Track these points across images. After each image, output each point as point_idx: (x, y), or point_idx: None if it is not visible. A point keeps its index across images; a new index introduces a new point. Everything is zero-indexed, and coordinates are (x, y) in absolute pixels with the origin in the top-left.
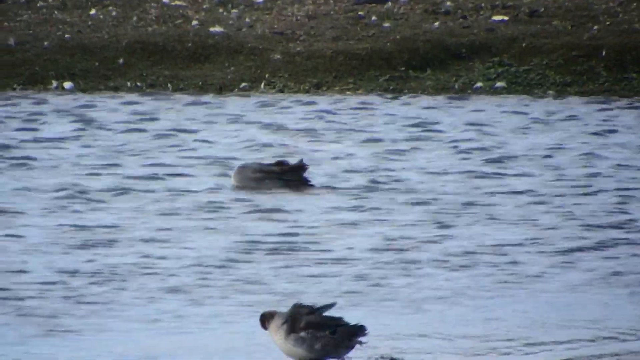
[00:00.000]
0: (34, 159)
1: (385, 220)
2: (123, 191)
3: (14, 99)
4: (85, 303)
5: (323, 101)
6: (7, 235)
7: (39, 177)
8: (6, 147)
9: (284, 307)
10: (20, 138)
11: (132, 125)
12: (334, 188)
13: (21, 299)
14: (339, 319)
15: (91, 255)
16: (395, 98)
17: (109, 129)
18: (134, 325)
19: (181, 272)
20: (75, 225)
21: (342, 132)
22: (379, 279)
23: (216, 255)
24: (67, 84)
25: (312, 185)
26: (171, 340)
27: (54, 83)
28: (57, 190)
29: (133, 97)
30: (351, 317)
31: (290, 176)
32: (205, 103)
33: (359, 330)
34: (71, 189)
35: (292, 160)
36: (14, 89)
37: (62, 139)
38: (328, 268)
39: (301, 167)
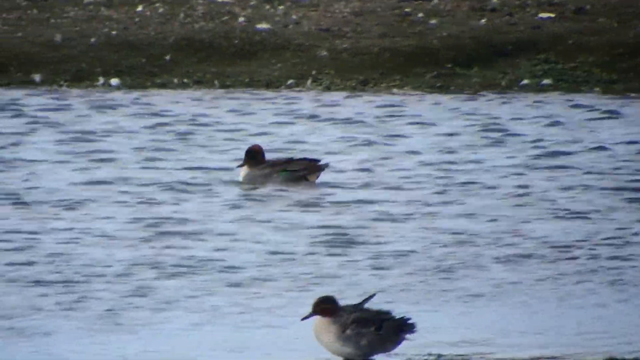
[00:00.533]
0: (112, 151)
1: (458, 214)
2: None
3: (99, 92)
4: (153, 296)
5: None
6: (81, 229)
7: (120, 169)
8: (85, 140)
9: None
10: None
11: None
12: (404, 183)
13: (89, 291)
14: (386, 313)
15: (162, 249)
16: (450, 93)
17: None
18: (197, 319)
19: (246, 265)
20: (148, 218)
21: (415, 127)
22: (436, 273)
23: (276, 249)
24: (114, 81)
25: (312, 183)
26: (239, 335)
27: (101, 80)
28: (145, 185)
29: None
30: (408, 312)
31: (297, 172)
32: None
33: (405, 324)
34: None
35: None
36: (61, 86)
37: (134, 132)
38: (385, 261)
39: (318, 167)
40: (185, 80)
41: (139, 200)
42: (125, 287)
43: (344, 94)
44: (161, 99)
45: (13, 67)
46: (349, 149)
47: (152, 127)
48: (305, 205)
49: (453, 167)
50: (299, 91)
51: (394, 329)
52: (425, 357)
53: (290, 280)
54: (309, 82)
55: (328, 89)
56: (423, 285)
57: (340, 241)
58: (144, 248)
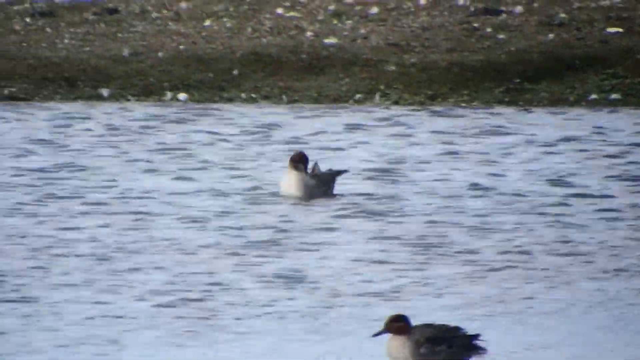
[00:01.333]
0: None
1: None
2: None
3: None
4: (244, 305)
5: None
6: (182, 239)
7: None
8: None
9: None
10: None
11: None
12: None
13: (182, 299)
14: (457, 330)
15: (254, 258)
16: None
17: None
18: (288, 328)
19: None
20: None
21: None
22: (515, 285)
23: (363, 257)
24: (182, 95)
25: (334, 195)
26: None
27: (168, 94)
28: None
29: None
30: (484, 327)
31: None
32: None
33: (476, 341)
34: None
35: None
36: (128, 100)
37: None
38: (461, 268)
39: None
40: (252, 95)
41: (223, 210)
42: (232, 297)
43: (445, 108)
44: (250, 110)
45: (81, 81)
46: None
47: (241, 136)
48: (400, 215)
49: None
50: (369, 106)
51: (466, 346)
52: None
53: (389, 289)
54: (377, 96)
55: (396, 103)
56: (501, 296)
57: (421, 251)
58: (241, 258)
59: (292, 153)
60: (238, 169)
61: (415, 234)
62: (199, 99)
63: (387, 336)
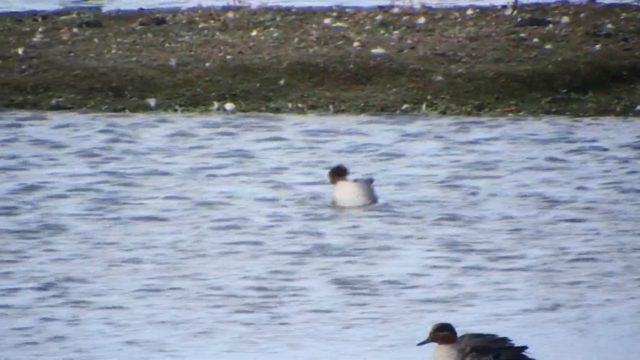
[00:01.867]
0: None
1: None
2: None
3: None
4: (309, 311)
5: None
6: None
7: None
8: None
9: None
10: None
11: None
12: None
13: (247, 305)
14: (503, 341)
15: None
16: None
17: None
18: (351, 335)
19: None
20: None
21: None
22: (569, 293)
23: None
24: (228, 105)
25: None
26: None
27: (215, 104)
28: None
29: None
30: (531, 338)
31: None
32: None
33: (522, 351)
34: None
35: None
36: (175, 110)
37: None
38: (517, 274)
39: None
40: (299, 104)
41: (285, 217)
42: (297, 303)
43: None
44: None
45: (128, 91)
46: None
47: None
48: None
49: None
50: (416, 116)
51: (512, 357)
52: None
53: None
54: (424, 106)
55: (443, 113)
56: (555, 305)
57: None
58: (303, 265)
59: (334, 165)
60: (297, 176)
61: (477, 240)
62: (246, 109)
63: (433, 345)
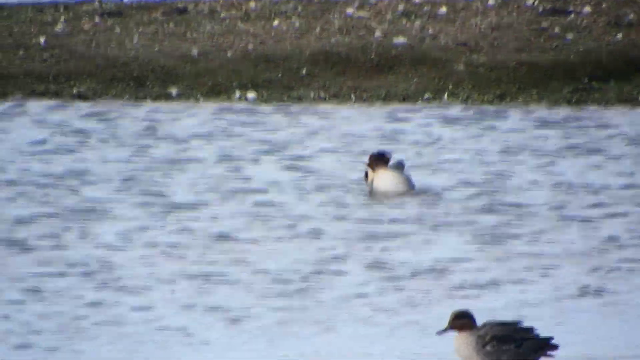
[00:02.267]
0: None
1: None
2: None
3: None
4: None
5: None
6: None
7: None
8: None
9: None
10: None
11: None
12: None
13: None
14: (528, 330)
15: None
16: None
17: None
18: (380, 322)
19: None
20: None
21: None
22: (599, 284)
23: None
24: (250, 95)
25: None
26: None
27: (237, 93)
28: None
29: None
30: (555, 325)
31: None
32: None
33: (547, 343)
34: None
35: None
36: (197, 100)
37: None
38: (555, 260)
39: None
40: (321, 94)
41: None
42: (344, 290)
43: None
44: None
45: (150, 81)
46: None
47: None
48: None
49: None
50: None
51: (535, 348)
52: None
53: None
54: (446, 96)
55: (465, 102)
56: (570, 295)
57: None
58: (341, 251)
59: (376, 151)
60: (333, 163)
61: (514, 225)
62: (268, 98)
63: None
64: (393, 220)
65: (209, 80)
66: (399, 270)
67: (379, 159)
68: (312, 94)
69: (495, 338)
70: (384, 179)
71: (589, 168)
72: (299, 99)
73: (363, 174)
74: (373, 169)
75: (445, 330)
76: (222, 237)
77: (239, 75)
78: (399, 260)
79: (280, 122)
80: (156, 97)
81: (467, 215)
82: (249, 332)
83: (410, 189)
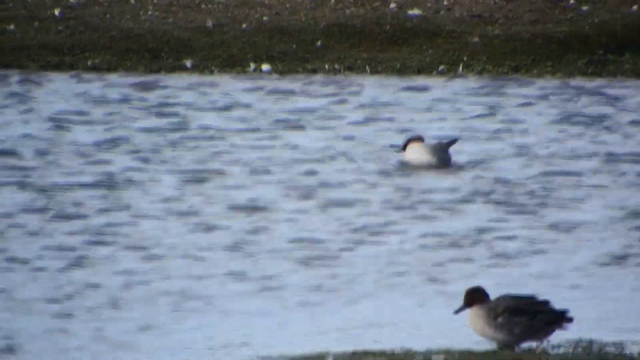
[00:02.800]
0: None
1: None
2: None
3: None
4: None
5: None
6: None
7: None
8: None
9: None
10: None
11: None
12: None
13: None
14: (543, 304)
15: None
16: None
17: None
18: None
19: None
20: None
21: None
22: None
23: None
24: (265, 67)
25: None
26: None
27: (252, 65)
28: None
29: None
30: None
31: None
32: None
33: (561, 316)
34: None
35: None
36: (212, 72)
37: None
38: (579, 231)
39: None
40: (336, 66)
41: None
42: (379, 260)
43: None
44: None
45: (164, 52)
46: None
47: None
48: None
49: None
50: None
51: (549, 320)
52: (577, 343)
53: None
54: (460, 68)
55: (480, 74)
56: (589, 272)
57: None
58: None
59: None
60: (371, 134)
61: (541, 194)
62: (282, 70)
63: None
64: (428, 190)
65: (223, 52)
66: (435, 239)
67: (412, 139)
68: (327, 66)
69: (507, 310)
70: (413, 151)
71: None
72: (314, 71)
73: (401, 147)
74: (407, 145)
75: (461, 309)
76: (255, 206)
77: (254, 47)
78: (436, 229)
79: (313, 92)
80: (171, 69)
81: (500, 187)
82: (284, 300)
83: (443, 163)
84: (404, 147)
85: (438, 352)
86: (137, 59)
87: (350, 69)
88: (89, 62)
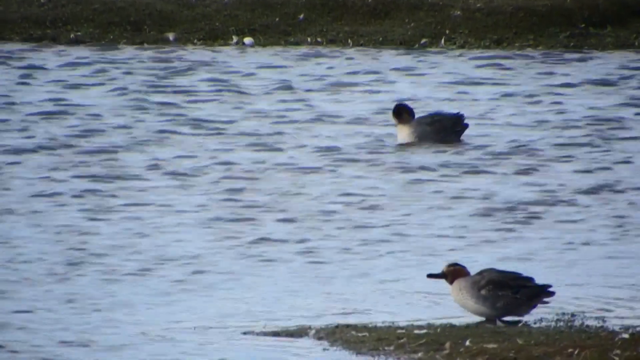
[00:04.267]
0: None
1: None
2: None
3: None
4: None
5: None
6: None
7: None
8: None
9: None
10: None
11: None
12: None
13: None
14: (527, 279)
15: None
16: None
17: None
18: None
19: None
20: None
21: None
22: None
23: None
24: (247, 40)
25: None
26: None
27: (234, 39)
28: None
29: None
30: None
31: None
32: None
33: (544, 290)
34: None
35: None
36: (194, 44)
37: None
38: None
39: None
40: (318, 39)
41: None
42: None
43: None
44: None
45: (147, 25)
46: None
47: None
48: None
49: None
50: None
51: (532, 295)
52: (558, 316)
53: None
54: (442, 41)
55: (462, 48)
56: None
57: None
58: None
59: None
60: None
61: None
62: (265, 43)
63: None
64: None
65: (206, 25)
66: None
67: (397, 113)
68: (309, 39)
69: (491, 282)
70: (400, 130)
71: None
72: (296, 44)
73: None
74: (399, 122)
75: (436, 275)
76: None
77: (236, 20)
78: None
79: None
80: (153, 42)
81: (505, 163)
82: (288, 271)
83: (432, 140)
84: (396, 114)
85: (420, 326)
86: (119, 32)
87: (332, 42)
88: (72, 35)
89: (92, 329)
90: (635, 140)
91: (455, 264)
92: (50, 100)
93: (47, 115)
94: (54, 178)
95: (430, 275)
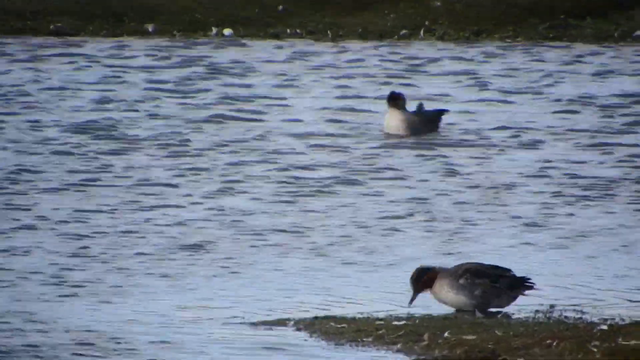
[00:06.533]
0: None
1: None
2: None
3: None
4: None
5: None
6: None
7: None
8: None
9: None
10: None
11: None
12: None
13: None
14: (505, 270)
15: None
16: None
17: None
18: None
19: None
20: None
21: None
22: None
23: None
24: (227, 31)
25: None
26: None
27: (214, 30)
28: None
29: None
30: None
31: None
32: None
33: (522, 282)
34: None
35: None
36: (174, 35)
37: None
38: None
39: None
40: (298, 30)
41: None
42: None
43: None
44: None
45: (127, 17)
46: None
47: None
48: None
49: None
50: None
51: (511, 285)
52: (537, 308)
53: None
54: (422, 32)
55: (441, 39)
56: (547, 240)
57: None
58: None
59: (390, 92)
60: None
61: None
62: (245, 34)
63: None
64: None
65: (186, 16)
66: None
67: (392, 99)
68: (289, 31)
69: (468, 271)
70: (389, 118)
71: None
72: (276, 36)
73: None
74: (390, 107)
75: (414, 296)
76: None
77: (217, 12)
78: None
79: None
80: (133, 33)
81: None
82: (290, 266)
83: (420, 131)
84: (394, 104)
85: (399, 317)
86: (100, 23)
87: (312, 33)
88: (52, 26)
89: (90, 323)
90: None
91: (419, 275)
92: None
93: None
94: None
95: (410, 302)
